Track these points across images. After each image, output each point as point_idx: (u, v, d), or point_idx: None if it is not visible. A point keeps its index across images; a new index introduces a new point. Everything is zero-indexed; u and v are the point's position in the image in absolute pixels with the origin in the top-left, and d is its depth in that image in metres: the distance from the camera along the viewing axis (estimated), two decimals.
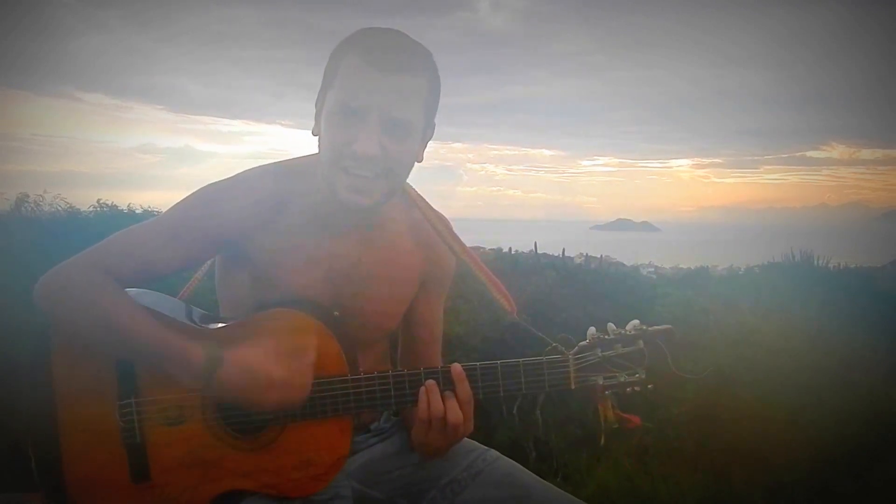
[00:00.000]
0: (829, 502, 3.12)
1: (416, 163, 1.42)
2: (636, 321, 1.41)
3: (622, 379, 1.39)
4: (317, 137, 1.40)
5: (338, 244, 1.45)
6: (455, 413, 1.35)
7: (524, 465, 1.57)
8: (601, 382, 1.39)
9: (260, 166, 1.48)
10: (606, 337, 1.40)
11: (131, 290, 1.43)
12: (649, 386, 1.39)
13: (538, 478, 1.53)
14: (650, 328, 1.40)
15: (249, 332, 1.38)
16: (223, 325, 1.45)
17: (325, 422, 1.39)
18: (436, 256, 1.54)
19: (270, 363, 1.31)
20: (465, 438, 1.59)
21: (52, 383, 1.41)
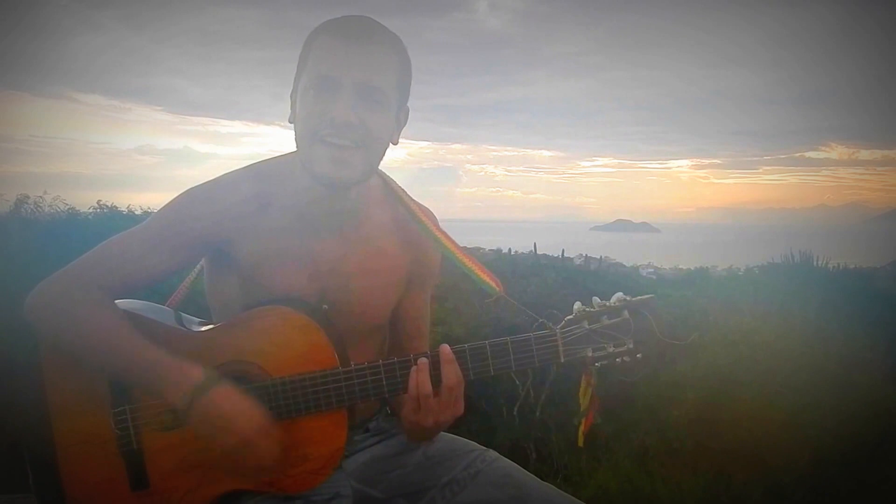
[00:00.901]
0: (829, 503, 3.12)
1: (392, 145, 1.42)
2: (620, 293, 1.41)
3: (610, 350, 1.38)
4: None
5: (322, 243, 1.45)
6: (448, 389, 1.34)
7: (524, 467, 1.56)
8: (590, 354, 1.38)
9: (240, 168, 1.49)
10: (592, 310, 1.40)
11: (122, 302, 1.42)
12: (638, 355, 1.39)
13: (537, 478, 1.53)
14: (634, 299, 1.41)
15: (238, 332, 1.38)
16: (211, 326, 1.45)
17: (320, 416, 1.38)
18: (421, 254, 1.55)
19: (246, 418, 1.30)
20: (464, 439, 1.59)
21: (46, 394, 1.40)
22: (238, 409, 1.30)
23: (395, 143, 1.42)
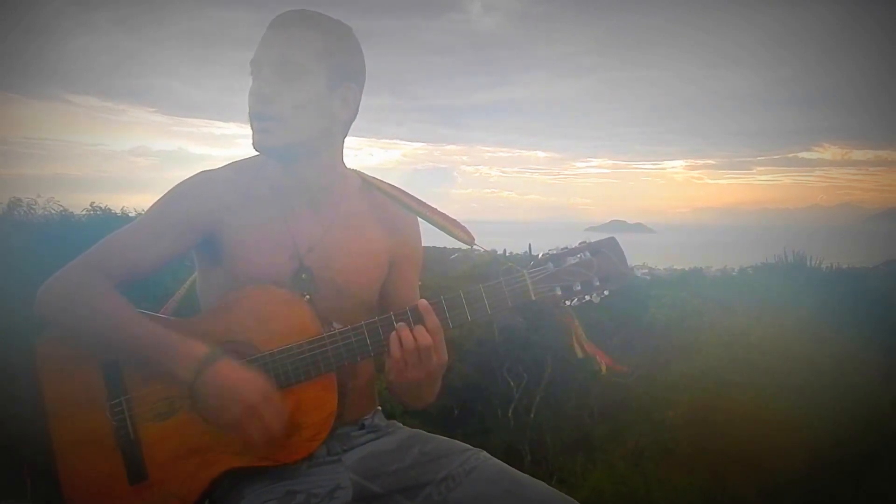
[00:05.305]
0: None
1: (342, 119, 1.51)
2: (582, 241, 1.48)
3: (577, 288, 1.42)
4: None
5: (302, 219, 1.52)
6: (424, 336, 1.39)
7: (519, 468, 1.58)
8: (559, 293, 1.42)
9: (223, 165, 1.59)
10: (555, 252, 1.46)
11: None
12: (605, 292, 1.42)
13: (531, 477, 1.55)
14: (594, 241, 1.47)
15: (225, 314, 1.43)
16: (201, 314, 1.48)
17: (310, 384, 1.41)
18: (400, 234, 1.62)
19: (253, 386, 1.35)
20: (458, 442, 1.61)
21: (42, 393, 1.41)
22: (243, 378, 1.35)
23: (346, 118, 1.52)
